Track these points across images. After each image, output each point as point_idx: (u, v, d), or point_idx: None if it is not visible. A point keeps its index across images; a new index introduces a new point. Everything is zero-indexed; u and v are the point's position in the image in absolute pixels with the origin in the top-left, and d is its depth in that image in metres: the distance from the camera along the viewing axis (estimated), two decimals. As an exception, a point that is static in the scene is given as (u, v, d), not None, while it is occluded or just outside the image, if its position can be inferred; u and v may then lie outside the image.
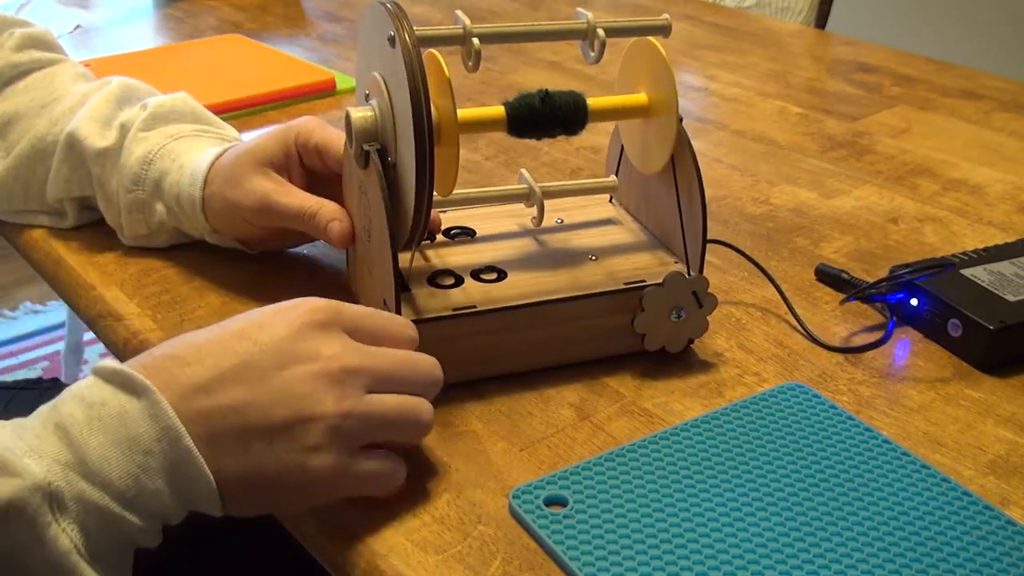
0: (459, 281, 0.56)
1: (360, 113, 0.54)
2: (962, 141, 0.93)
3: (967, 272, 0.63)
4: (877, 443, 0.52)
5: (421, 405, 0.47)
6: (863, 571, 0.44)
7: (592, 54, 0.56)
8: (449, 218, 0.63)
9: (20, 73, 0.71)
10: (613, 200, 0.67)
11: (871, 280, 0.66)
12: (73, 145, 0.66)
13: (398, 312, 0.52)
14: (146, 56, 1.07)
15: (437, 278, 0.57)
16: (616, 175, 0.65)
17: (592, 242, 0.61)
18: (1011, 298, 0.61)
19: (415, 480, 0.49)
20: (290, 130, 0.61)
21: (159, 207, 0.64)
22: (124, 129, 0.65)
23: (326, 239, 0.59)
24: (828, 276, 0.68)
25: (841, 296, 0.66)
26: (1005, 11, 2.23)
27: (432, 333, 0.52)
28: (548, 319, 0.55)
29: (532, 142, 0.88)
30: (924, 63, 1.14)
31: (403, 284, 0.55)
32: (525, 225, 0.63)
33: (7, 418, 0.46)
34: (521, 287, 0.56)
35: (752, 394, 0.56)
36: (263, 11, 1.27)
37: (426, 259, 0.59)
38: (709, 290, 0.57)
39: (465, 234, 0.62)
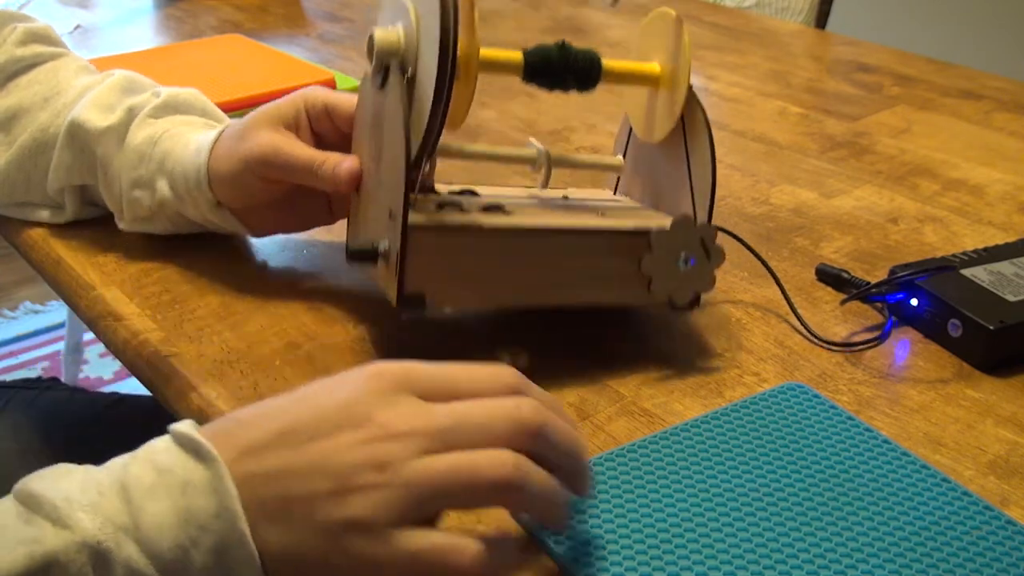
0: (467, 211, 0.56)
1: (383, 32, 0.54)
2: (962, 141, 0.93)
3: (967, 272, 0.63)
4: (877, 443, 0.52)
5: (483, 463, 0.40)
6: (863, 571, 0.44)
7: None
8: (449, 176, 0.63)
9: (24, 67, 0.71)
10: (616, 192, 0.67)
11: (871, 280, 0.66)
12: (76, 130, 0.65)
13: (404, 218, 0.51)
14: (146, 56, 1.07)
15: (444, 207, 0.57)
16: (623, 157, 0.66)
17: (597, 205, 0.62)
18: (1011, 298, 0.61)
19: None
20: (297, 95, 0.62)
21: (162, 184, 0.64)
22: (132, 112, 0.66)
23: (333, 182, 0.58)
24: (828, 276, 0.68)
25: (841, 296, 0.66)
26: (1005, 11, 2.23)
27: (434, 244, 0.52)
28: (553, 250, 0.55)
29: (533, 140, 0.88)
30: (924, 63, 1.14)
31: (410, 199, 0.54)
32: (531, 193, 0.64)
33: (5, 417, 0.47)
34: (526, 220, 0.56)
35: (752, 394, 0.56)
36: (263, 11, 1.27)
37: (425, 178, 0.59)
38: (718, 244, 0.57)
39: (469, 194, 0.62)
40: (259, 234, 0.67)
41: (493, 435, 0.40)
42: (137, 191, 0.65)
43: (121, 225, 0.67)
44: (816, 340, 0.61)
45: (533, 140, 0.62)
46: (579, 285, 0.56)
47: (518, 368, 0.43)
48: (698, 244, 0.56)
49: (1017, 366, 0.59)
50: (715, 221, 0.75)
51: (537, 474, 0.40)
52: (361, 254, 0.54)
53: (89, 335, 1.72)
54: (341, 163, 0.58)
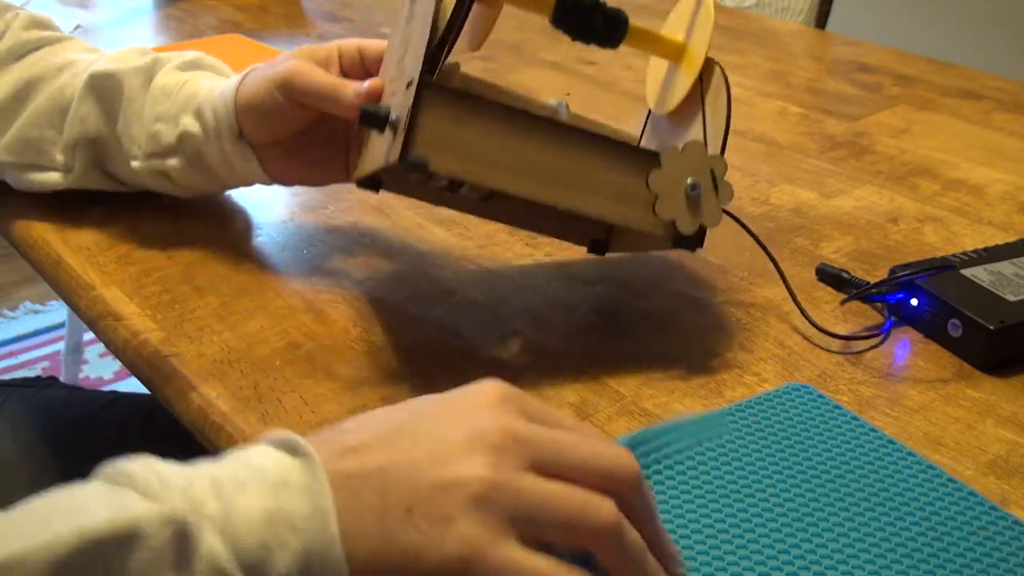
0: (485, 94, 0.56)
1: None
2: (962, 141, 0.93)
3: (967, 272, 0.63)
4: (882, 443, 0.52)
5: (595, 500, 0.38)
6: (869, 572, 0.44)
7: None
8: None
9: (32, 48, 0.72)
10: None
11: (871, 280, 0.66)
12: (97, 78, 0.66)
13: (421, 79, 0.50)
14: (146, 56, 1.07)
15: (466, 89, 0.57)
16: (640, 140, 0.67)
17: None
18: (1011, 298, 0.61)
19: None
20: (333, 42, 0.64)
21: (186, 119, 0.65)
22: (158, 61, 0.67)
23: (356, 101, 0.59)
24: (828, 276, 0.68)
25: (841, 296, 0.66)
26: (1005, 11, 2.23)
27: (445, 107, 0.51)
28: (565, 146, 0.53)
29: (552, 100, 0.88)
30: (924, 63, 1.14)
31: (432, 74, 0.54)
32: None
33: (3, 415, 0.46)
34: (543, 114, 0.56)
35: (754, 394, 0.56)
36: (263, 11, 1.27)
37: (443, 68, 0.59)
38: (727, 180, 0.56)
39: None
40: (275, 180, 0.67)
41: (601, 472, 0.40)
42: (159, 124, 0.66)
43: (135, 164, 0.67)
44: (819, 330, 0.61)
45: (552, 99, 0.62)
46: (584, 190, 0.54)
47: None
48: (707, 174, 0.55)
49: (1017, 366, 0.59)
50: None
51: (635, 532, 0.39)
52: (372, 116, 0.53)
53: (89, 335, 1.72)
54: (363, 83, 0.59)
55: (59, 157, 0.69)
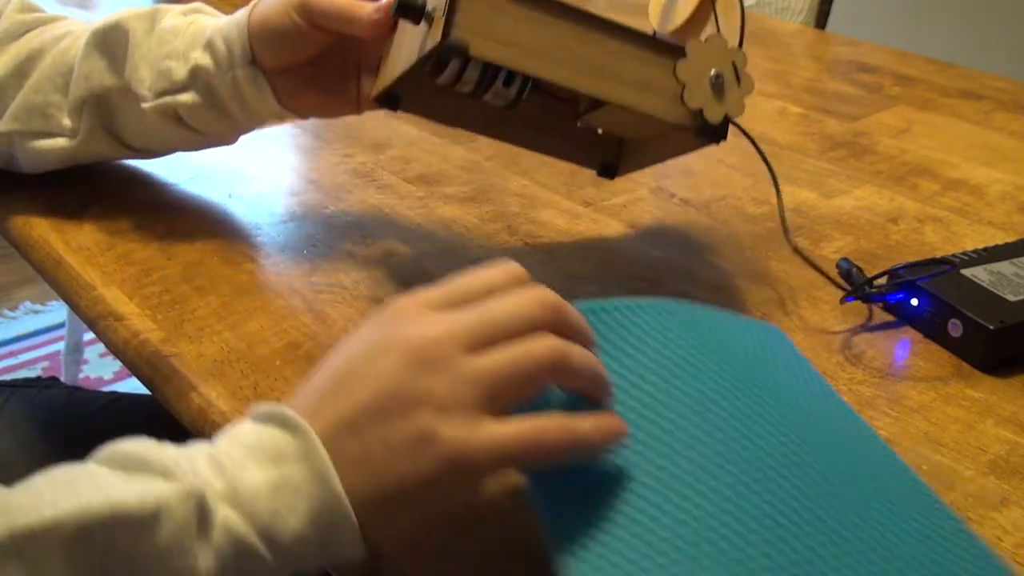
0: None
1: None
2: (962, 141, 0.93)
3: (967, 272, 0.63)
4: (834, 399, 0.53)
5: (529, 346, 0.41)
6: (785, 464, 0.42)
7: None
8: None
9: (28, 28, 0.72)
10: None
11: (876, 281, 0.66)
12: (100, 32, 0.66)
13: None
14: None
15: None
16: None
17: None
18: (1011, 298, 0.61)
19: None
20: None
21: (196, 53, 0.65)
22: (160, 9, 0.67)
23: (373, 22, 0.59)
24: (844, 271, 0.68)
25: (840, 296, 0.66)
26: (1005, 11, 2.23)
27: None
28: (599, 34, 0.55)
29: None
30: (924, 63, 1.14)
31: None
32: None
33: (3, 415, 0.46)
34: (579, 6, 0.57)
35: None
36: (263, 11, 1.27)
37: None
38: (748, 72, 0.58)
39: None
40: (288, 110, 0.67)
41: (525, 321, 0.42)
42: (169, 61, 0.65)
43: (145, 106, 0.67)
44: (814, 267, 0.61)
45: None
46: (616, 79, 0.56)
47: None
48: (729, 65, 0.57)
49: (1017, 366, 0.59)
50: (714, 220, 0.75)
51: (575, 347, 0.42)
52: (408, 5, 0.54)
53: (89, 335, 1.72)
54: (381, 3, 0.60)
55: (65, 121, 0.69)
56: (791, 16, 1.56)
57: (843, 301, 0.65)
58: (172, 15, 0.68)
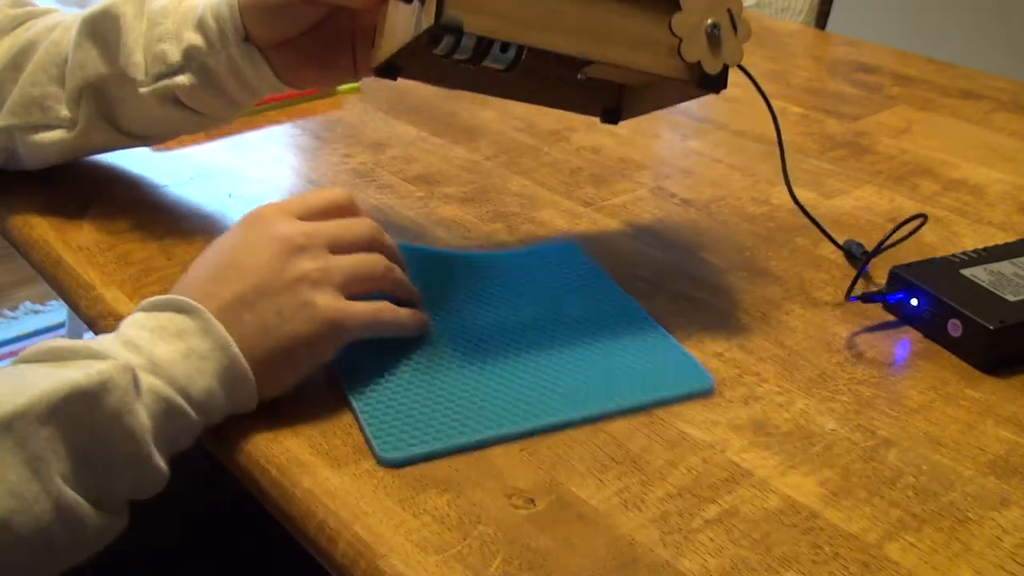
0: None
1: None
2: (962, 141, 0.93)
3: (967, 272, 0.63)
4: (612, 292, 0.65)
5: (371, 258, 0.56)
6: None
7: None
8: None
9: (20, 22, 0.72)
10: None
11: (874, 281, 0.66)
12: (89, 20, 0.66)
13: None
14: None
15: None
16: None
17: None
18: (1011, 298, 0.61)
19: (415, 480, 0.49)
20: None
21: (188, 33, 0.65)
22: None
23: None
24: (847, 251, 0.69)
25: (841, 297, 0.66)
26: (1005, 11, 2.23)
27: None
28: None
29: (533, 142, 0.88)
30: (924, 63, 1.14)
31: None
32: None
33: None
34: None
35: (753, 394, 0.56)
36: (263, 11, 1.27)
37: None
38: (744, 18, 0.57)
39: None
40: (286, 80, 0.66)
41: (364, 240, 0.56)
42: (163, 44, 0.65)
43: (142, 91, 0.66)
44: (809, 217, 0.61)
45: None
46: (611, 40, 0.56)
47: None
48: (725, 13, 0.57)
49: (1017, 366, 0.59)
50: (714, 220, 0.75)
51: (398, 268, 0.58)
52: None
53: (89, 335, 1.72)
54: None
55: (63, 112, 0.68)
56: (791, 16, 1.56)
57: (846, 299, 0.65)
58: None
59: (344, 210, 0.57)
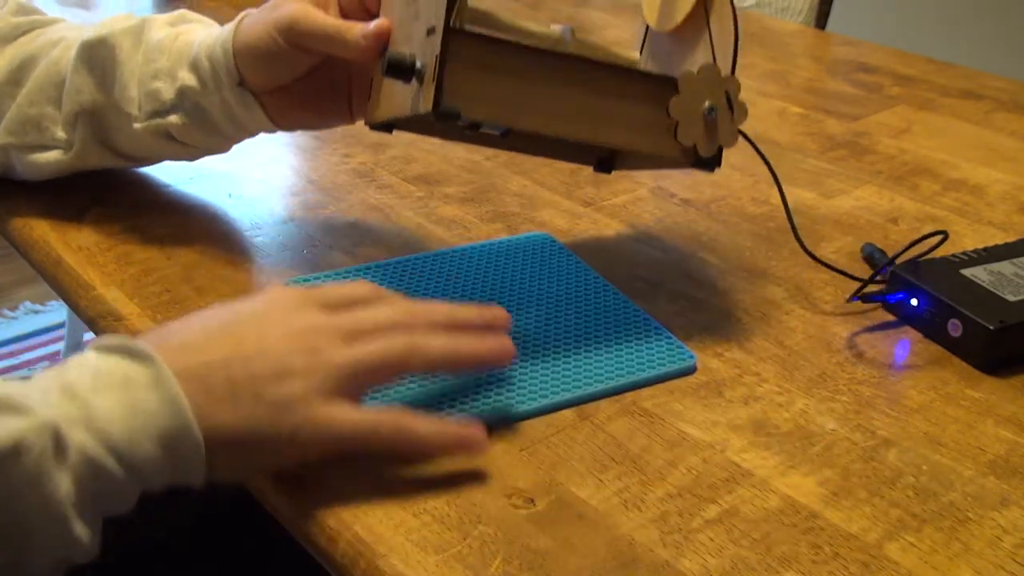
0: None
1: None
2: (962, 141, 0.93)
3: (967, 272, 0.63)
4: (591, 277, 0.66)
5: (388, 340, 0.49)
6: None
7: None
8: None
9: (23, 32, 0.71)
10: None
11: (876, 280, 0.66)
12: (87, 46, 0.66)
13: (447, 25, 0.51)
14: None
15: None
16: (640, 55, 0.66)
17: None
18: (1011, 298, 0.61)
19: (414, 480, 0.49)
20: None
21: (183, 73, 0.64)
22: (146, 20, 0.67)
23: (362, 46, 0.58)
24: (867, 255, 0.70)
25: (840, 297, 0.66)
26: (1005, 11, 2.23)
27: (473, 54, 0.52)
28: (588, 81, 0.55)
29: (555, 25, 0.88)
30: (924, 63, 1.14)
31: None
32: None
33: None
34: (563, 50, 0.56)
35: (753, 394, 0.56)
36: (263, 11, 1.27)
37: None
38: (741, 100, 0.57)
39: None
40: (279, 124, 0.66)
41: (386, 323, 0.50)
42: (157, 82, 0.65)
43: (136, 126, 0.66)
44: (812, 257, 0.61)
45: (555, 25, 0.62)
46: (608, 123, 0.56)
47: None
48: (722, 95, 0.57)
49: (1017, 366, 0.59)
50: (714, 220, 0.75)
51: (431, 338, 0.50)
52: (399, 66, 0.53)
53: (89, 335, 1.72)
54: (369, 24, 0.58)
55: (60, 134, 0.68)
56: (791, 16, 1.56)
57: (849, 299, 0.65)
58: (158, 26, 0.67)
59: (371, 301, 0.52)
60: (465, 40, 0.51)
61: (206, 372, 0.45)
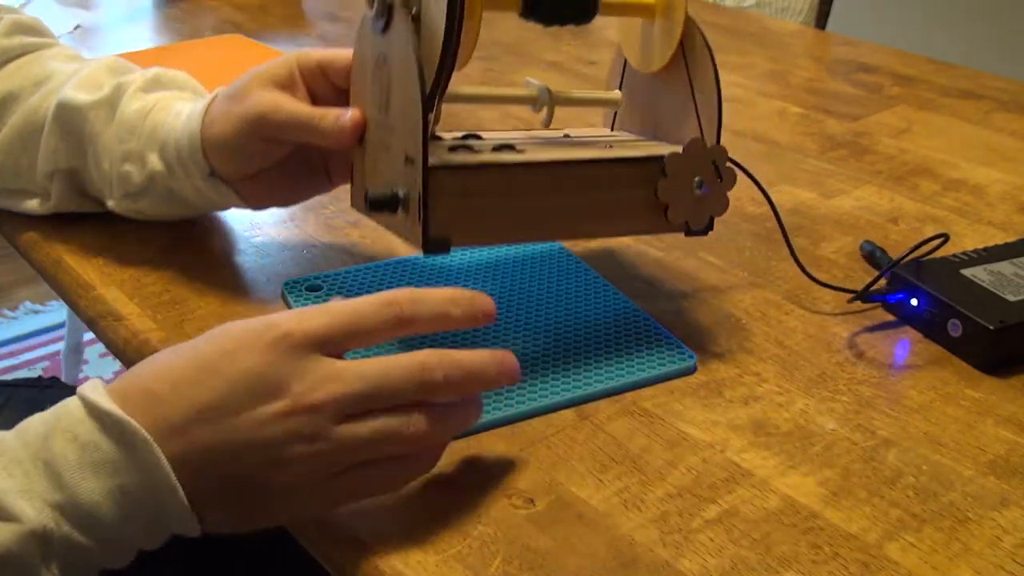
0: (480, 152, 0.56)
1: None
2: (962, 141, 0.93)
3: (967, 272, 0.63)
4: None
5: (401, 427, 0.44)
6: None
7: (542, 116, 0.59)
8: (452, 125, 0.62)
9: (12, 57, 0.71)
10: (615, 129, 0.67)
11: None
12: (63, 111, 0.65)
13: (425, 162, 0.50)
14: (146, 56, 1.07)
15: (455, 150, 0.56)
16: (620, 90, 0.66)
17: (603, 140, 0.62)
18: (1011, 298, 0.61)
19: (415, 480, 0.49)
20: (290, 56, 0.61)
21: (152, 158, 0.63)
22: (120, 88, 0.65)
23: (336, 134, 0.57)
24: (867, 253, 0.70)
25: (840, 298, 0.66)
26: (1005, 11, 2.23)
27: (456, 185, 0.51)
28: (572, 183, 0.54)
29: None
30: (924, 63, 1.14)
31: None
32: (532, 134, 0.63)
33: (4, 415, 0.46)
34: (541, 155, 0.56)
35: (753, 394, 0.56)
36: (263, 11, 1.27)
37: (439, 120, 0.58)
38: (729, 165, 0.57)
39: (473, 138, 0.61)
40: (255, 206, 0.65)
41: (404, 397, 0.44)
42: (127, 165, 0.64)
43: (110, 204, 0.66)
44: (817, 283, 0.62)
45: (531, 79, 0.61)
46: (599, 217, 0.56)
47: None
48: (710, 167, 0.56)
49: (1017, 366, 0.59)
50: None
51: (450, 418, 0.46)
52: (382, 202, 0.53)
53: (89, 335, 1.72)
54: (343, 114, 0.57)
55: (37, 182, 0.68)
56: (791, 16, 1.56)
57: (852, 300, 0.65)
58: (131, 94, 0.65)
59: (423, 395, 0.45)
60: (444, 175, 0.50)
61: (195, 458, 0.42)
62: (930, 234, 0.75)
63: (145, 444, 0.41)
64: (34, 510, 0.40)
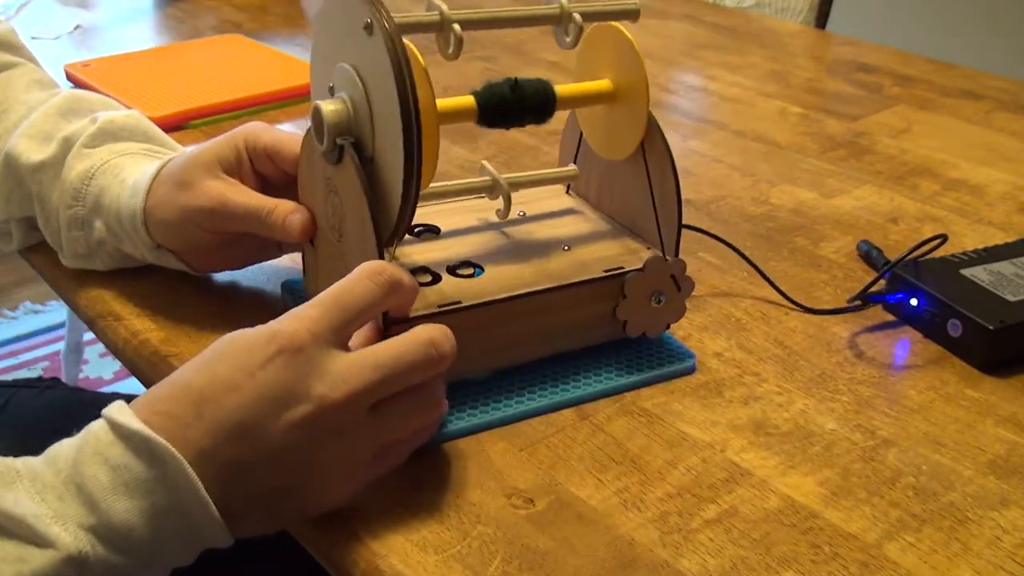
0: (436, 278, 0.55)
1: (331, 106, 0.51)
2: (962, 141, 0.93)
3: (967, 272, 0.63)
4: None
5: (424, 408, 0.47)
6: None
7: (568, 39, 0.56)
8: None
9: None
10: (570, 190, 0.66)
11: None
12: (12, 164, 0.64)
13: (385, 315, 0.50)
14: (146, 56, 1.07)
15: (414, 276, 0.56)
16: (575, 163, 0.64)
17: (560, 232, 0.61)
18: (1011, 298, 0.61)
19: (415, 480, 0.49)
20: (237, 134, 0.59)
21: (98, 224, 0.62)
22: (67, 143, 0.63)
23: (285, 234, 0.56)
24: (864, 253, 0.70)
25: (841, 298, 0.66)
26: (1005, 11, 2.23)
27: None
28: (534, 310, 0.55)
29: (532, 142, 0.88)
30: (924, 63, 1.14)
31: None
32: (489, 219, 0.62)
33: (5, 416, 0.46)
34: (501, 281, 0.55)
35: (752, 394, 0.56)
36: (263, 11, 1.27)
37: (395, 258, 0.57)
38: (688, 274, 0.57)
39: (429, 231, 0.61)
40: (202, 272, 0.64)
41: (419, 375, 0.46)
42: (75, 231, 0.63)
43: (64, 262, 0.65)
44: (803, 310, 0.61)
45: (486, 164, 0.60)
46: (560, 335, 0.57)
47: None
48: (669, 280, 0.57)
49: (1017, 366, 0.59)
50: (714, 220, 0.75)
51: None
52: None
53: (89, 335, 1.72)
54: (292, 214, 0.56)
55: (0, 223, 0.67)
56: (791, 16, 1.56)
57: (850, 300, 0.65)
58: (75, 152, 0.63)
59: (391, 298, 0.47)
60: (405, 327, 0.49)
61: (227, 480, 0.43)
62: (930, 234, 0.75)
63: (175, 462, 0.41)
64: (69, 535, 0.40)
